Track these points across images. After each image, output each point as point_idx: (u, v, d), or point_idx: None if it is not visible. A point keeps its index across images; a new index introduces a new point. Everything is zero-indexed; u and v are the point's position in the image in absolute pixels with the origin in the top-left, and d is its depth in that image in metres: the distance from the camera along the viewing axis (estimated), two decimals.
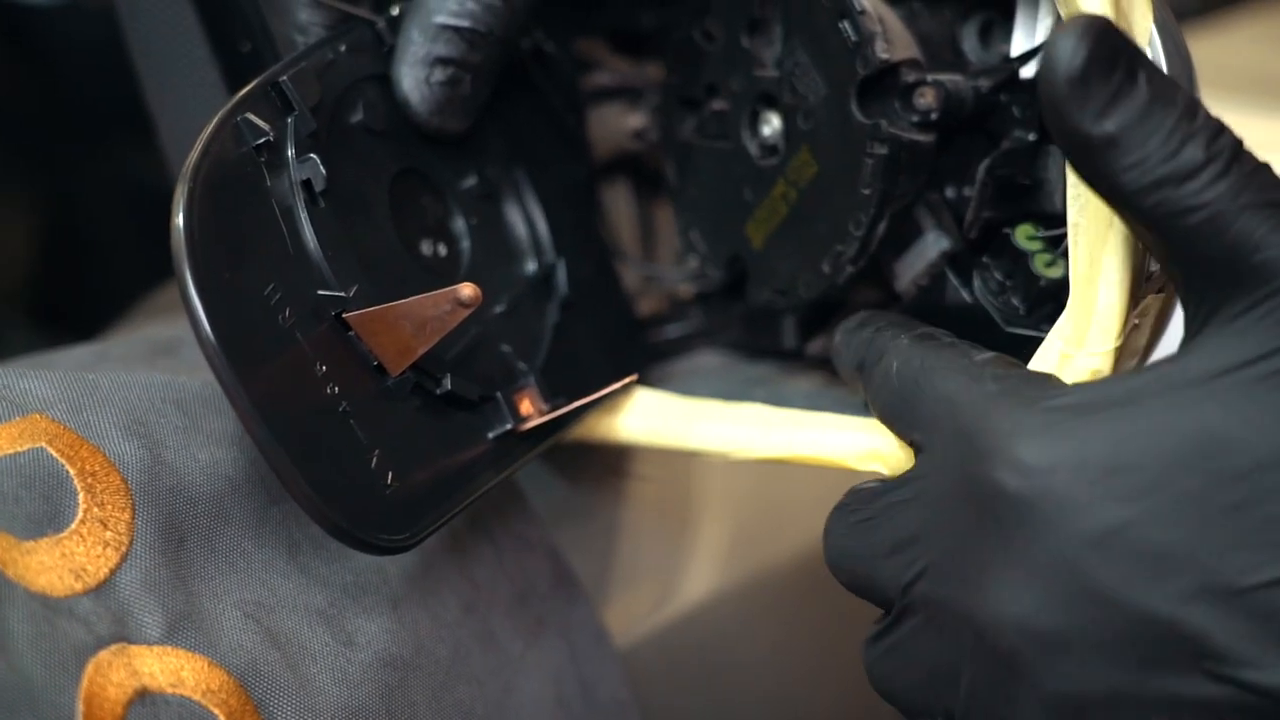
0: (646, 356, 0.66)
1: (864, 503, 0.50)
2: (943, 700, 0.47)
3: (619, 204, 0.70)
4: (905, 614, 0.47)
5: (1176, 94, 0.44)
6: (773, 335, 0.66)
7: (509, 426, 0.58)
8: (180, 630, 0.50)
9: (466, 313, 0.52)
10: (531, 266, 0.62)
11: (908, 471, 0.49)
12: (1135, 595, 0.41)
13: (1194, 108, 0.44)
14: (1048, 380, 0.47)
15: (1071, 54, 0.44)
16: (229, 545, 0.53)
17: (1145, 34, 0.52)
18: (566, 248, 0.63)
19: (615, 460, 0.72)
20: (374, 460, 0.52)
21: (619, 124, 0.68)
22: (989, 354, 0.49)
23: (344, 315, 0.53)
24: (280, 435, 0.49)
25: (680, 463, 0.76)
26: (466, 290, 0.52)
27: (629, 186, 0.71)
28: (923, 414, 0.49)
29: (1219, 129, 0.44)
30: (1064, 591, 0.42)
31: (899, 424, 0.51)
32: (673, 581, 0.72)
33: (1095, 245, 0.50)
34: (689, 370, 0.67)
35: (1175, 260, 0.45)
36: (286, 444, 0.49)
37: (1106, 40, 0.44)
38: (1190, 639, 0.41)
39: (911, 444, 0.50)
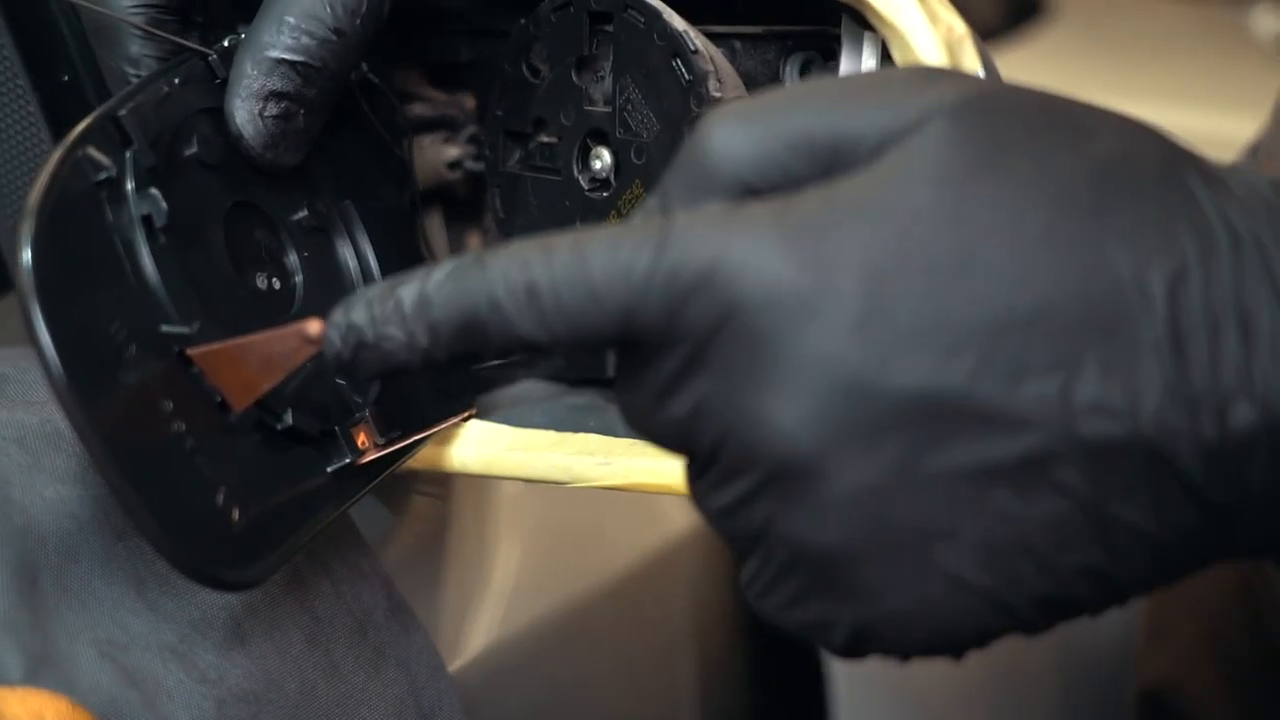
0: (473, 388, 0.67)
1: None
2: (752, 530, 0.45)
3: (433, 232, 0.70)
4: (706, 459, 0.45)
5: None
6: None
7: (347, 460, 0.58)
8: (40, 671, 0.49)
9: (313, 350, 0.52)
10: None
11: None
12: (896, 374, 0.41)
13: None
14: (740, 205, 0.44)
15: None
16: (80, 584, 0.52)
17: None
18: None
19: (419, 483, 0.73)
20: (220, 497, 0.52)
21: (436, 154, 0.69)
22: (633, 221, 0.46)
23: (187, 351, 0.52)
24: (129, 473, 0.48)
25: (466, 482, 0.76)
26: (314, 327, 0.52)
27: (441, 215, 0.71)
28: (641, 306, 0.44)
29: None
30: (830, 388, 0.42)
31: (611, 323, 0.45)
32: (493, 605, 0.73)
33: None
34: (514, 399, 0.68)
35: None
36: (135, 482, 0.48)
37: None
38: (954, 404, 0.41)
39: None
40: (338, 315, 0.47)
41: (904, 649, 0.45)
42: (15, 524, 0.51)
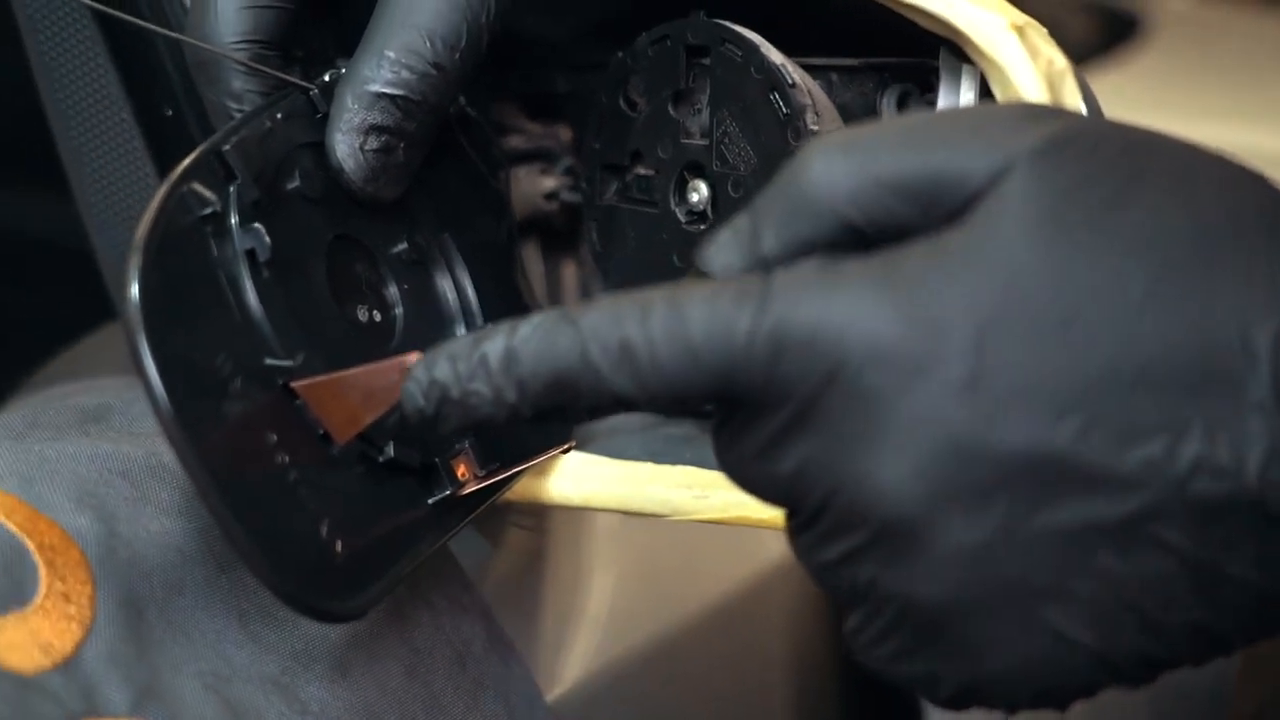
0: (569, 418, 0.67)
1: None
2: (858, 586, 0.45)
3: (530, 264, 0.71)
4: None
5: None
6: None
7: (448, 492, 0.58)
8: (146, 703, 0.50)
9: None
10: (460, 331, 0.63)
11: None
12: (1003, 435, 0.41)
13: None
14: (840, 261, 0.44)
15: None
16: (184, 617, 0.53)
17: (1075, 111, 0.54)
18: (493, 312, 0.64)
19: (516, 516, 0.73)
20: (324, 529, 0.52)
21: (533, 186, 0.70)
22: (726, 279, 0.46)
23: (291, 384, 0.53)
24: (234, 505, 0.49)
25: (562, 514, 0.77)
26: (415, 360, 0.52)
27: (538, 246, 0.72)
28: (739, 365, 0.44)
29: None
30: (937, 449, 0.42)
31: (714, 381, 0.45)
32: (589, 636, 0.73)
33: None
34: (611, 430, 0.68)
35: None
36: (240, 514, 0.49)
37: None
38: (1061, 465, 0.41)
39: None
40: (419, 371, 0.47)
41: (1009, 702, 0.45)
42: (121, 558, 0.52)
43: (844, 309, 0.42)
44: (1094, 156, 0.43)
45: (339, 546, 0.53)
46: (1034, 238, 0.42)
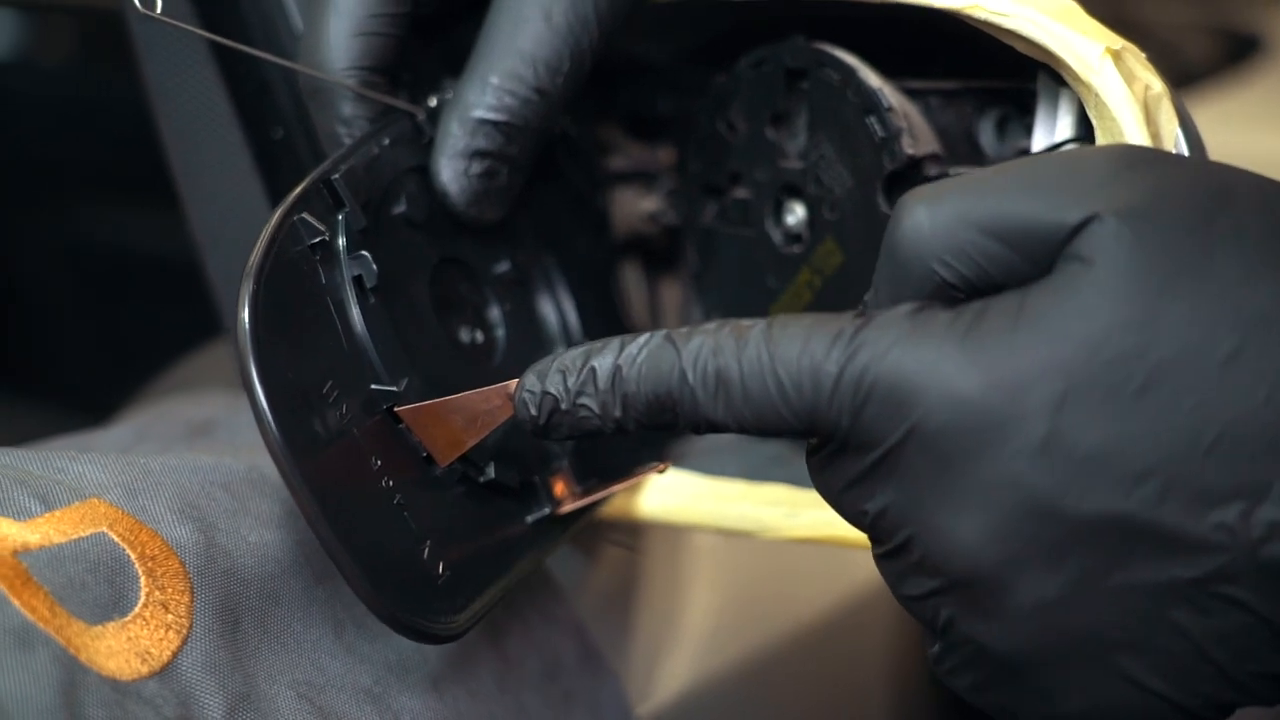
0: (664, 436, 0.67)
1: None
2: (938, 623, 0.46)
3: (631, 284, 0.72)
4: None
5: None
6: None
7: (546, 510, 0.59)
8: (240, 711, 0.51)
9: None
10: (562, 351, 0.64)
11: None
12: (1080, 499, 0.42)
13: None
14: (927, 317, 0.45)
15: None
16: (280, 626, 0.54)
17: (1171, 136, 0.54)
18: (593, 333, 0.64)
19: (611, 532, 0.74)
20: (426, 551, 0.53)
21: (634, 207, 0.70)
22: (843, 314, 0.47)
23: (395, 409, 0.54)
24: (340, 528, 0.50)
25: (658, 531, 0.77)
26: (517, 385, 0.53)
27: (639, 267, 0.72)
28: (828, 404, 0.45)
29: None
30: (1013, 509, 0.43)
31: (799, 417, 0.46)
32: (683, 653, 0.74)
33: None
34: (705, 449, 0.68)
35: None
36: (346, 539, 0.50)
37: None
38: (1137, 528, 0.42)
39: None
40: (531, 381, 0.49)
41: None
42: (220, 567, 0.53)
43: (927, 363, 0.44)
44: (1181, 215, 0.43)
45: (441, 568, 0.54)
46: (1117, 301, 0.42)
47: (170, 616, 0.51)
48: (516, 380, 0.52)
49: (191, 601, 0.51)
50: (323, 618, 0.55)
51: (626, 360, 0.48)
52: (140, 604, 0.50)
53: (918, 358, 0.44)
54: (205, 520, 0.54)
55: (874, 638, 0.88)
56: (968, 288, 0.45)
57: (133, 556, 0.51)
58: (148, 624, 0.50)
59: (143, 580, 0.51)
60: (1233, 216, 0.43)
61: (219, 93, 0.63)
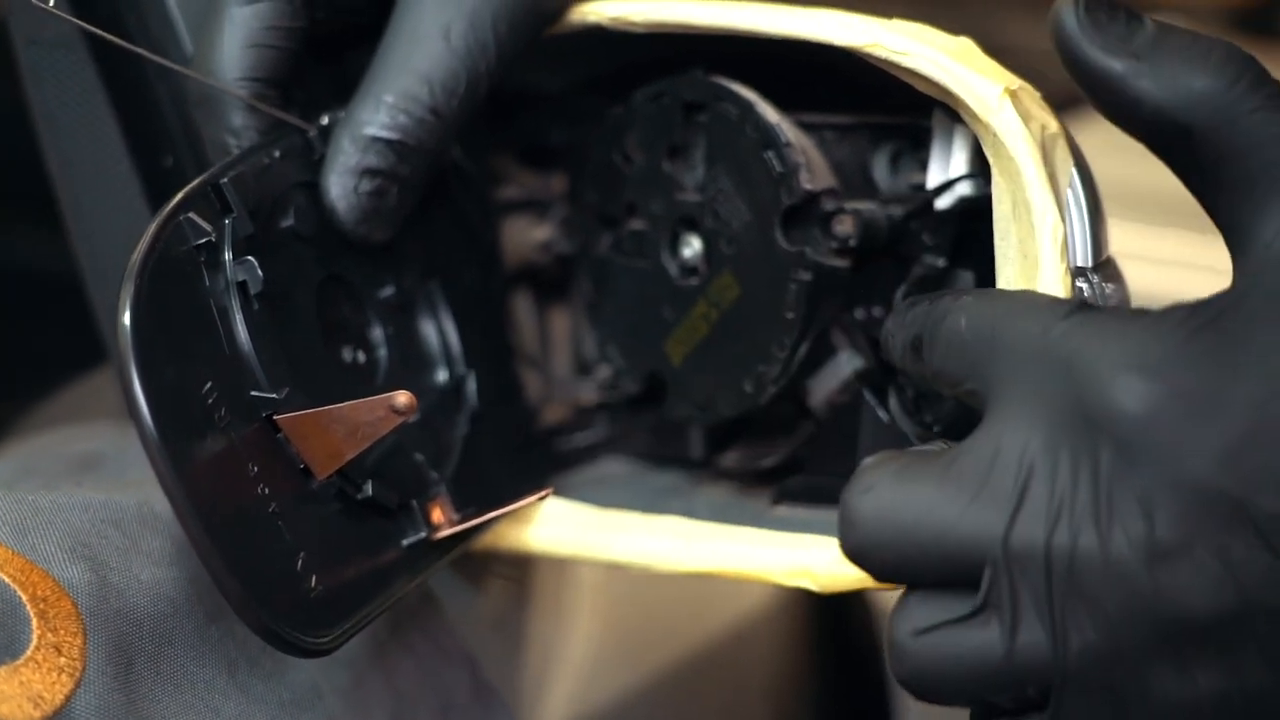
0: (552, 466, 0.67)
1: (926, 458, 0.48)
2: (1044, 661, 0.45)
3: (520, 313, 0.71)
4: (1005, 569, 0.45)
5: (1177, 28, 0.47)
6: (680, 445, 0.68)
7: (422, 535, 0.59)
8: None
9: (400, 420, 0.53)
10: (443, 377, 0.63)
11: (989, 423, 0.47)
12: (1267, 503, 0.42)
13: (1200, 37, 0.47)
14: (1136, 313, 0.47)
15: (1075, 6, 0.48)
16: (173, 667, 0.53)
17: (1066, 175, 0.55)
18: (476, 360, 0.64)
19: (498, 564, 0.73)
20: (299, 562, 0.53)
21: (525, 236, 0.70)
22: (1065, 299, 0.49)
23: (275, 417, 0.53)
24: (214, 535, 0.49)
25: (544, 562, 0.77)
26: (402, 398, 0.53)
27: (529, 296, 0.72)
28: (1006, 359, 0.48)
29: (1230, 50, 0.47)
30: (1197, 507, 0.43)
31: (975, 380, 0.49)
32: (569, 684, 0.73)
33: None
34: (596, 479, 0.68)
35: (1210, 184, 0.47)
36: (220, 544, 0.49)
37: (1099, 1, 0.48)
38: None
39: (978, 399, 0.49)
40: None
41: None
42: (113, 608, 0.52)
43: None
44: None
45: (314, 581, 0.53)
46: None
47: (63, 659, 0.49)
48: (403, 391, 0.52)
49: (84, 643, 0.50)
50: (216, 657, 0.54)
51: None
52: (32, 647, 0.49)
53: (1101, 342, 0.46)
54: (97, 559, 0.52)
55: (756, 669, 0.89)
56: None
57: (24, 598, 0.50)
58: (40, 667, 0.49)
59: (34, 622, 0.49)
60: None
61: (108, 119, 0.62)
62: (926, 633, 0.46)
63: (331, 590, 0.53)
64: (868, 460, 0.49)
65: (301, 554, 0.53)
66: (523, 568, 0.73)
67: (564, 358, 0.72)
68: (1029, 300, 0.49)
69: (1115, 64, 0.47)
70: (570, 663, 0.75)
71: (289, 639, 0.51)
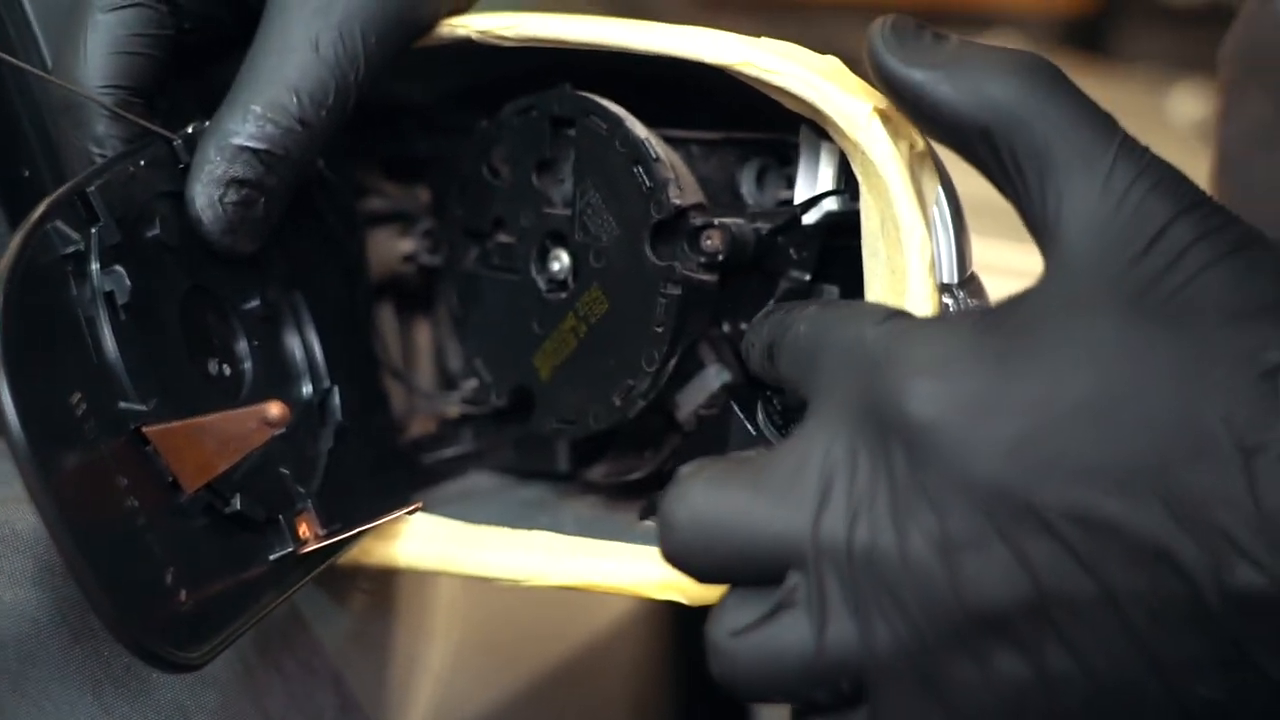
0: (417, 480, 0.67)
1: (739, 464, 0.49)
2: (855, 656, 0.47)
3: (384, 325, 0.71)
4: (812, 568, 0.47)
5: (980, 44, 0.50)
6: (546, 459, 0.68)
7: (289, 549, 0.58)
8: None
9: (272, 432, 0.52)
10: (307, 391, 0.63)
11: (802, 426, 0.49)
12: (1049, 495, 0.44)
13: (999, 49, 0.50)
14: (941, 318, 0.50)
15: (883, 25, 0.51)
16: (37, 689, 0.52)
17: (933, 193, 0.56)
18: (341, 373, 0.64)
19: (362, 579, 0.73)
20: (169, 576, 0.52)
21: (390, 248, 0.69)
22: (887, 306, 0.52)
23: (143, 429, 0.53)
24: (85, 548, 0.48)
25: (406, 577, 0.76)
26: (274, 410, 0.52)
27: (392, 308, 0.72)
28: (826, 363, 0.50)
29: (1026, 57, 0.49)
30: (985, 504, 0.45)
31: (803, 384, 0.52)
32: (433, 699, 0.73)
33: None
34: (462, 493, 0.68)
35: (1013, 185, 0.49)
36: (89, 557, 0.48)
37: (907, 20, 0.51)
38: (1105, 529, 0.44)
39: (810, 401, 0.51)
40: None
41: None
42: None
43: None
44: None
45: (183, 595, 0.52)
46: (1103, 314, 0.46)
47: None
48: (275, 402, 0.52)
49: None
50: (81, 678, 0.53)
51: None
52: None
53: (900, 350, 0.48)
54: None
55: (618, 678, 0.89)
56: None
57: None
58: None
59: None
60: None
61: None
62: (742, 633, 0.48)
63: (201, 605, 0.53)
64: (684, 468, 0.50)
65: (171, 568, 0.52)
66: (384, 581, 0.72)
67: (427, 370, 0.72)
68: (856, 309, 0.51)
69: (916, 74, 0.50)
70: (431, 673, 0.75)
71: (160, 654, 0.50)
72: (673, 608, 0.63)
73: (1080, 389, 0.45)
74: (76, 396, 0.50)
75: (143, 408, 0.53)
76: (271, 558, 0.58)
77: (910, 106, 0.51)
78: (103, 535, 0.49)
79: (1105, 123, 0.48)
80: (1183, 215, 0.46)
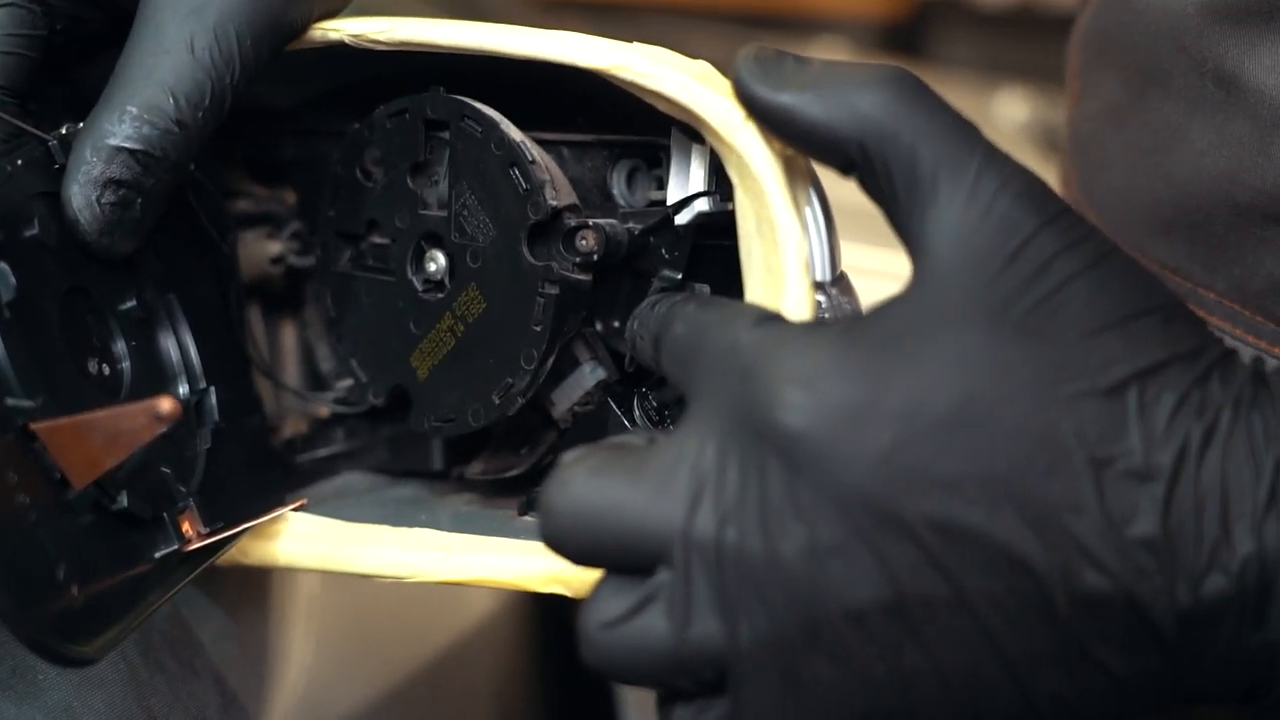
0: (293, 480, 0.67)
1: (621, 455, 0.51)
2: (717, 649, 0.48)
3: (252, 326, 0.71)
4: (682, 562, 0.48)
5: (844, 62, 0.52)
6: (421, 457, 0.68)
7: (175, 547, 0.58)
8: None
9: (163, 427, 0.53)
10: (184, 392, 0.63)
11: (681, 425, 0.51)
12: (913, 505, 0.46)
13: (864, 65, 0.52)
14: (815, 325, 0.51)
15: (748, 56, 0.53)
16: None
17: (805, 194, 0.57)
18: (216, 374, 0.64)
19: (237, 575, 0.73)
20: (60, 572, 0.52)
21: (259, 250, 0.70)
22: (762, 308, 0.53)
23: (31, 426, 0.53)
24: None
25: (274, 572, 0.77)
26: (165, 405, 0.52)
27: (259, 309, 0.72)
28: (704, 365, 0.51)
29: (890, 72, 0.51)
30: (853, 512, 0.47)
31: (682, 382, 0.53)
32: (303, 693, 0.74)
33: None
34: (337, 492, 0.68)
35: (886, 197, 0.51)
36: None
37: (769, 49, 0.53)
38: (964, 536, 0.46)
39: (688, 400, 0.52)
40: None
41: None
42: None
43: None
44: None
45: (75, 591, 0.52)
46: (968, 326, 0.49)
47: None
48: (166, 397, 0.52)
49: None
50: None
51: None
52: None
53: (774, 358, 0.50)
54: None
55: (484, 671, 0.90)
56: None
57: None
58: None
59: None
60: None
61: None
62: (612, 625, 0.50)
63: (91, 601, 0.53)
64: (567, 455, 0.52)
65: (62, 564, 0.52)
66: (256, 578, 0.73)
67: (294, 371, 0.72)
68: (733, 311, 0.53)
69: (784, 97, 0.52)
70: (301, 667, 0.75)
71: (56, 649, 0.51)
72: (537, 600, 0.64)
73: (944, 403, 0.47)
74: None
75: (30, 404, 0.53)
76: (157, 555, 0.58)
77: (782, 129, 0.53)
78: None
79: (969, 133, 0.50)
80: (1046, 226, 0.48)
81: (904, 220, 0.50)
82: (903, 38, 2.53)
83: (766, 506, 0.47)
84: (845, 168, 0.52)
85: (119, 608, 0.55)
